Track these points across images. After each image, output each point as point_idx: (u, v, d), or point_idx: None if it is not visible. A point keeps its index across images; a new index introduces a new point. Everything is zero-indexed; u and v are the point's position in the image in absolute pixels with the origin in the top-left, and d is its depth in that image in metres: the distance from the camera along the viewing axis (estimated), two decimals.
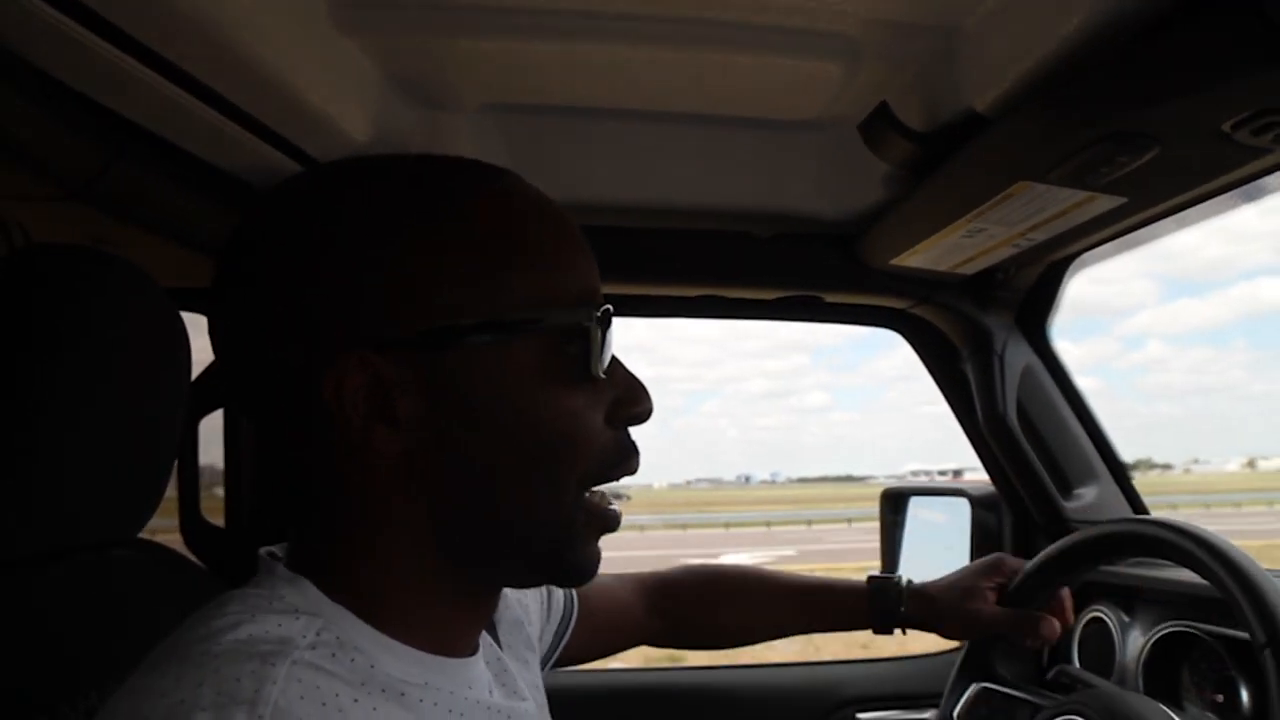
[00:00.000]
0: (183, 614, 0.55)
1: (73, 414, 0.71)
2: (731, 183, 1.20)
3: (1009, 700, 1.08)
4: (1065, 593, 1.10)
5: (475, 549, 0.58)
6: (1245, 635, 0.85)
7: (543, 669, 0.86)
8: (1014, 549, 1.53)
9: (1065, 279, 1.37)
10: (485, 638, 0.68)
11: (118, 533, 0.79)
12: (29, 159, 0.83)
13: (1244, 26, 0.60)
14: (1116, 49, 0.68)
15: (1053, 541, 1.10)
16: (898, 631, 1.14)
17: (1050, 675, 1.26)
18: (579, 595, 1.00)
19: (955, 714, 1.11)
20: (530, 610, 0.86)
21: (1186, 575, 0.96)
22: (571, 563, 0.61)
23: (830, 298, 1.42)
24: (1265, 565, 0.90)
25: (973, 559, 1.51)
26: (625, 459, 0.61)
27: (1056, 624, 1.06)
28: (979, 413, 1.43)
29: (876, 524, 1.65)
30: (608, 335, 0.59)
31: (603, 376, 0.59)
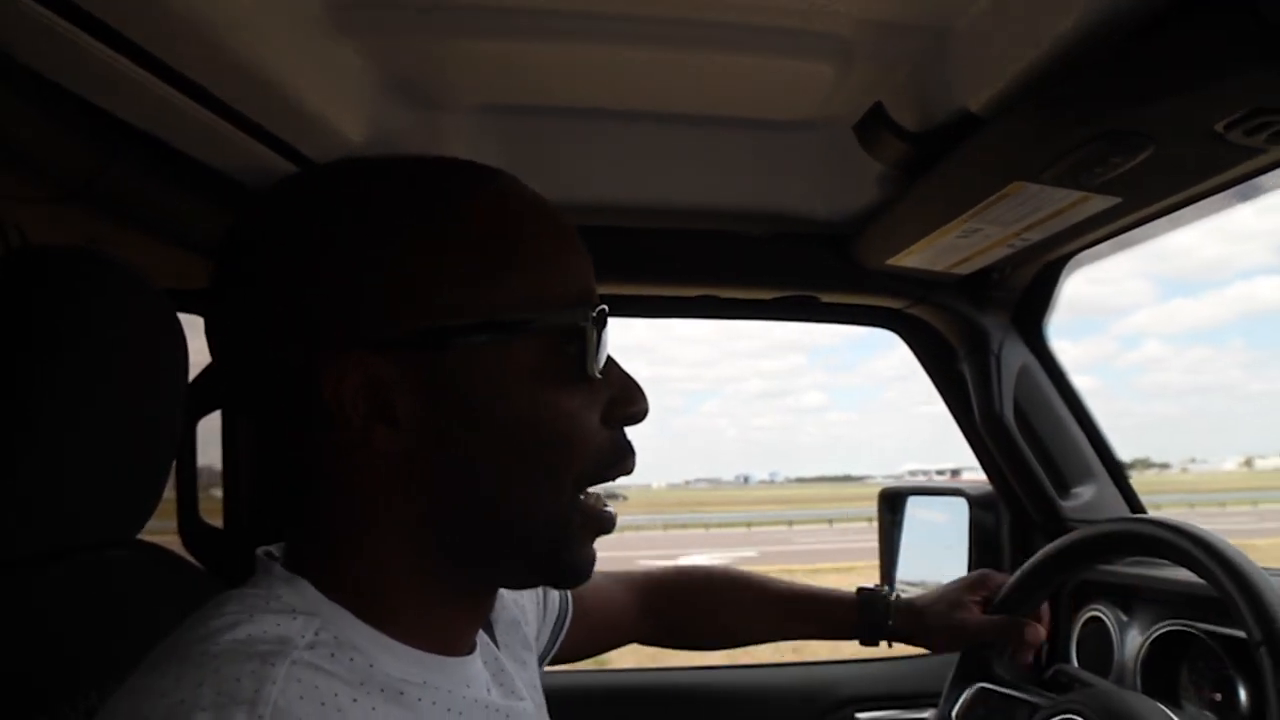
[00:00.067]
0: (182, 614, 0.55)
1: (71, 415, 0.71)
2: (727, 183, 1.20)
3: (1007, 700, 1.08)
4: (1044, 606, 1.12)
5: (472, 548, 0.58)
6: (1243, 634, 0.86)
7: (539, 667, 0.86)
8: (1012, 548, 1.53)
9: (1061, 279, 1.38)
10: (482, 637, 0.68)
11: (117, 533, 0.79)
12: (25, 160, 0.83)
13: (1237, 26, 0.60)
14: (1110, 49, 0.68)
15: (1050, 540, 1.11)
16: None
17: (1049, 674, 1.26)
18: (574, 595, 1.00)
19: (953, 715, 1.11)
20: (527, 610, 0.86)
21: (1184, 574, 0.96)
22: (567, 563, 0.61)
23: (826, 298, 1.42)
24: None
25: (971, 558, 1.52)
26: (621, 459, 0.61)
27: (1042, 630, 1.09)
28: (976, 412, 1.43)
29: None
30: (603, 335, 0.59)
31: (599, 377, 0.59)
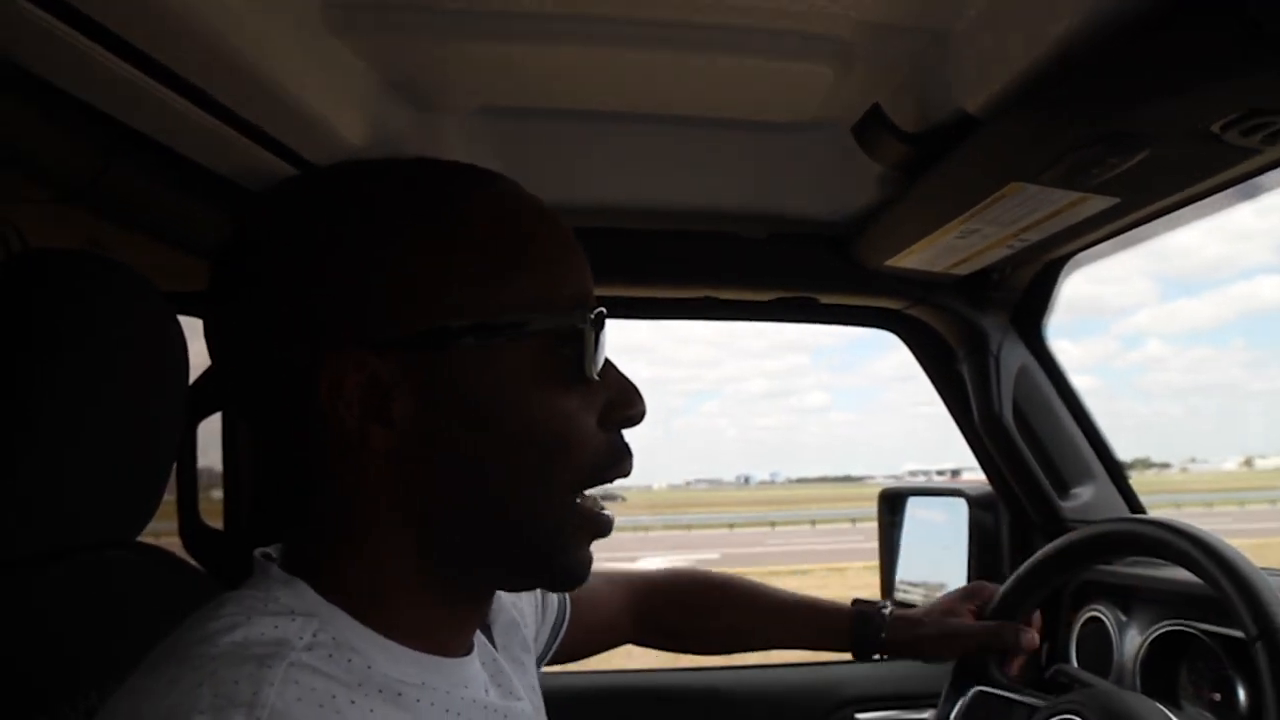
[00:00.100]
0: (182, 616, 0.55)
1: (73, 416, 0.71)
2: (726, 185, 1.21)
3: (1005, 703, 1.08)
4: (1036, 616, 1.13)
5: (470, 550, 0.59)
6: (1242, 634, 0.86)
7: (536, 668, 0.86)
8: (1011, 549, 1.53)
9: (1060, 279, 1.38)
10: (480, 638, 0.69)
11: (118, 534, 0.80)
12: (24, 163, 0.83)
13: (1231, 29, 0.60)
14: (1105, 51, 0.69)
15: (1049, 541, 1.11)
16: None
17: (1048, 675, 1.27)
18: (571, 597, 1.01)
19: (952, 718, 1.11)
20: (525, 612, 0.87)
21: (1183, 575, 0.97)
22: (563, 566, 0.61)
23: (825, 299, 1.43)
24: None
25: (970, 559, 1.52)
26: (618, 461, 0.61)
27: (1035, 635, 1.09)
28: (975, 413, 1.43)
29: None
30: (601, 338, 0.59)
31: (596, 379, 0.59)
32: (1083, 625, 1.33)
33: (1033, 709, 1.03)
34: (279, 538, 0.62)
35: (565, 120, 1.03)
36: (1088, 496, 1.46)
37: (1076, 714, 0.94)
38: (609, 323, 0.60)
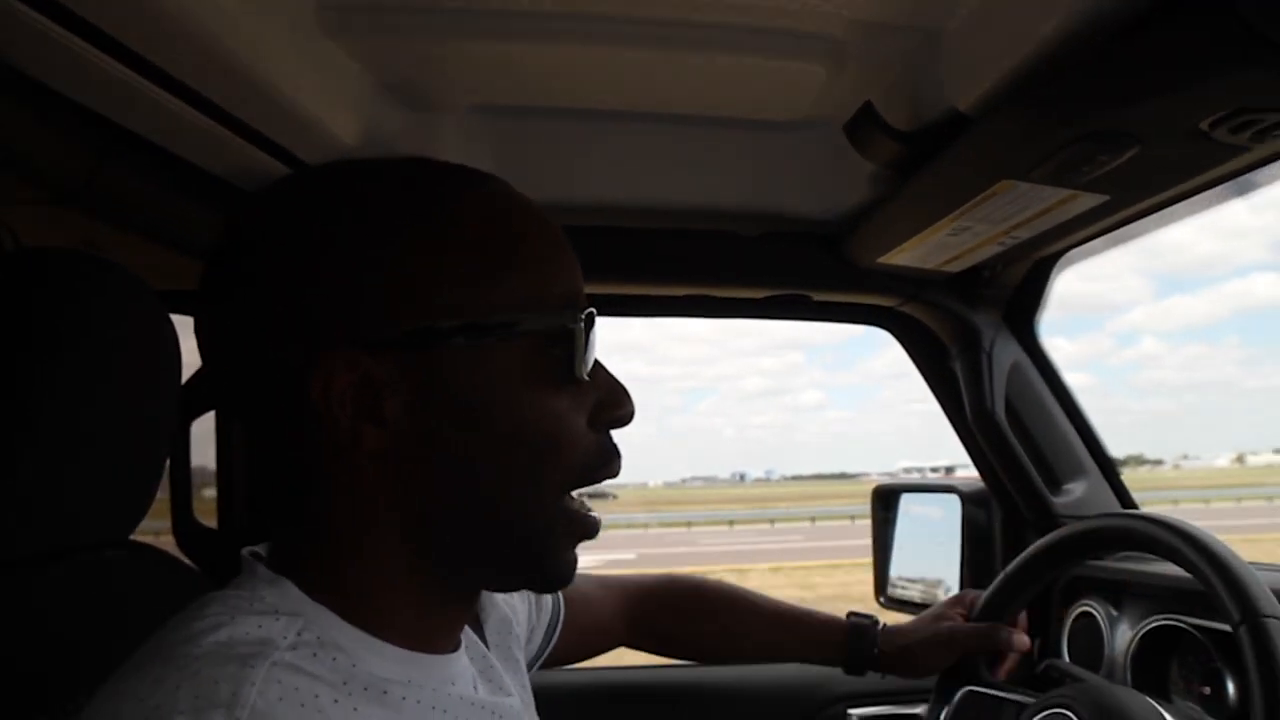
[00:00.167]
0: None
1: (70, 415, 0.71)
2: (719, 183, 1.21)
3: (996, 702, 1.09)
4: (1022, 616, 1.15)
5: (461, 550, 0.59)
6: (1230, 628, 0.86)
7: (529, 670, 0.86)
8: (1004, 545, 1.53)
9: (1052, 276, 1.38)
10: (470, 635, 0.69)
11: (112, 533, 0.80)
12: (18, 164, 0.83)
13: (1220, 26, 0.61)
14: (1095, 49, 0.69)
15: (1042, 537, 1.12)
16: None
17: (1040, 670, 1.27)
18: (565, 599, 1.01)
19: (942, 718, 1.12)
20: (518, 610, 0.87)
21: (1173, 570, 0.97)
22: (550, 567, 0.61)
23: (818, 296, 1.43)
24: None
25: (963, 554, 1.53)
26: (607, 461, 0.62)
27: (1026, 637, 1.10)
28: (968, 410, 1.43)
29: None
30: (591, 338, 0.59)
31: (586, 379, 0.59)
32: (1074, 620, 1.34)
33: (1022, 706, 1.04)
34: (272, 536, 0.63)
35: (559, 119, 1.03)
36: (1080, 492, 1.47)
37: (1068, 709, 0.95)
38: (600, 321, 0.61)
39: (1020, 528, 1.52)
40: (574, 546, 0.62)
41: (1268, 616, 0.82)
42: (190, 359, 0.81)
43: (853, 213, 1.23)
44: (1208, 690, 1.09)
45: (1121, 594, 1.27)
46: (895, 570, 1.64)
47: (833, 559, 17.31)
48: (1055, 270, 1.37)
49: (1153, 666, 1.17)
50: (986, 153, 0.88)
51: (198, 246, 1.07)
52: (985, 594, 1.15)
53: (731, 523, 36.24)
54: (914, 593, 1.61)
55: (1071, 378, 1.49)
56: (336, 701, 0.51)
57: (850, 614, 1.17)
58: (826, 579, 14.42)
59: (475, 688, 0.64)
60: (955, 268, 1.27)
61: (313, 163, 0.96)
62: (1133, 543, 1.00)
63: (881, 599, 1.63)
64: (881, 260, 1.26)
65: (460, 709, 0.60)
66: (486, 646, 0.74)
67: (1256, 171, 0.91)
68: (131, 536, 0.83)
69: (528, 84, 0.93)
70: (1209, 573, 0.88)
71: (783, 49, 0.85)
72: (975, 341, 1.40)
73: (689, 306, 1.47)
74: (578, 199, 1.23)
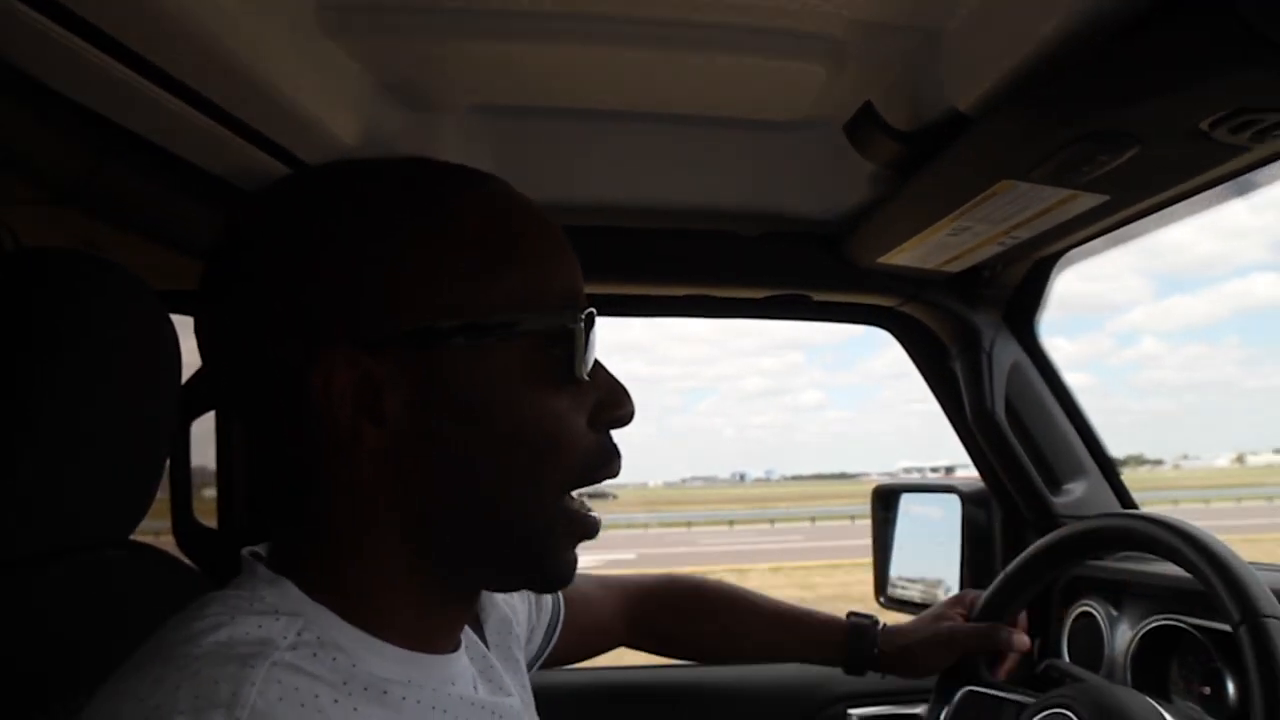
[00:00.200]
0: None
1: (70, 415, 0.71)
2: (719, 183, 1.21)
3: (996, 701, 1.09)
4: (1022, 616, 1.15)
5: (461, 550, 0.59)
6: (1230, 628, 0.86)
7: (529, 670, 0.86)
8: (1004, 545, 1.53)
9: (1052, 276, 1.38)
10: (470, 635, 0.69)
11: (112, 533, 0.80)
12: (18, 164, 0.83)
13: (1220, 26, 0.61)
14: (1095, 49, 0.69)
15: (1042, 537, 1.12)
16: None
17: (1040, 670, 1.27)
18: (565, 599, 1.01)
19: (942, 718, 1.12)
20: (518, 611, 0.87)
21: (1174, 569, 0.98)
22: (550, 567, 0.61)
23: (818, 296, 1.43)
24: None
25: (963, 554, 1.53)
26: (607, 461, 0.62)
27: (1026, 637, 1.10)
28: (968, 409, 1.43)
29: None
30: (591, 338, 0.60)
31: (586, 379, 0.59)
32: (1074, 620, 1.34)
33: (1022, 706, 1.04)
34: (272, 536, 0.63)
35: (558, 118, 1.03)
36: (1080, 492, 1.47)
37: (1068, 709, 0.95)
38: (600, 321, 0.61)
39: (1020, 528, 1.52)
40: (574, 546, 0.62)
41: (1268, 616, 0.83)
42: (190, 359, 0.81)
43: (853, 213, 1.23)
44: (1208, 690, 1.09)
45: (1121, 594, 1.28)
46: (895, 570, 1.64)
47: (833, 559, 17.32)
48: (1055, 270, 1.37)
49: (1153, 666, 1.17)
50: (986, 153, 0.88)
51: (198, 246, 1.07)
52: (985, 594, 1.15)
53: (731, 523, 36.16)
54: (914, 593, 1.61)
55: (1071, 378, 1.49)
56: (336, 701, 0.51)
57: (850, 614, 1.17)
58: (826, 579, 14.43)
59: (475, 688, 0.64)
60: (955, 268, 1.28)
61: (313, 163, 0.96)
62: (1133, 543, 1.00)
63: (881, 599, 1.63)
64: (881, 260, 1.26)
65: (460, 709, 0.60)
66: (486, 646, 0.74)
67: (1256, 171, 0.91)
68: (131, 536, 0.83)
69: (528, 84, 0.93)
70: (1209, 573, 0.88)
71: (783, 49, 0.85)
72: (975, 341, 1.40)
73: (689, 306, 1.47)
74: (578, 199, 1.23)
